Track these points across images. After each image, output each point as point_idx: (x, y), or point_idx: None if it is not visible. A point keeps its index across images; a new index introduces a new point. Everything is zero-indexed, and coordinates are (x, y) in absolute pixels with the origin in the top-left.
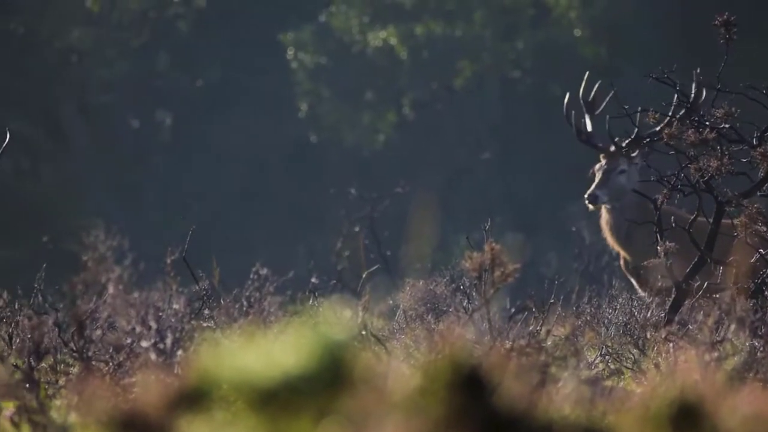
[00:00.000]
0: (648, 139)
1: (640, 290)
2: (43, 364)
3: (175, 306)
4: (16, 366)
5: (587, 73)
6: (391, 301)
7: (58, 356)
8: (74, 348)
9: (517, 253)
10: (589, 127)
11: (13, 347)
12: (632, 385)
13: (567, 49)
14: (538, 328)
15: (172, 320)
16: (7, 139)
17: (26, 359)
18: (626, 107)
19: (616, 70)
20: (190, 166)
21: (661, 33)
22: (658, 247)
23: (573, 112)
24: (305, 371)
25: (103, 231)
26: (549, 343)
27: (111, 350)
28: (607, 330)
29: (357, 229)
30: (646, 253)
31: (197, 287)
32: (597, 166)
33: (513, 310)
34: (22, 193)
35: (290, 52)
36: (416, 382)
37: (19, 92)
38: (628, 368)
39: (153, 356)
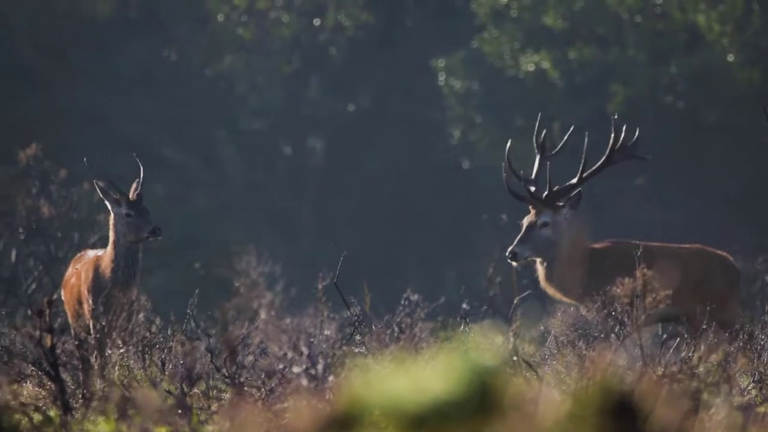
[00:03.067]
0: (575, 189)
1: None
2: (195, 390)
3: (327, 332)
4: (168, 392)
5: (539, 114)
6: (542, 327)
7: (211, 382)
8: (226, 374)
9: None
10: (533, 173)
11: (166, 373)
12: None
13: (720, 74)
14: (690, 354)
15: (324, 346)
16: (141, 173)
17: (179, 385)
18: None
19: None
20: (342, 192)
21: None
22: None
23: (504, 161)
24: (456, 397)
25: (255, 257)
26: (701, 369)
27: (263, 376)
28: (760, 356)
29: None
30: (584, 299)
31: (348, 313)
32: (524, 219)
33: (665, 336)
34: (175, 220)
35: (442, 78)
36: (567, 408)
37: (171, 119)
38: None
39: (305, 382)
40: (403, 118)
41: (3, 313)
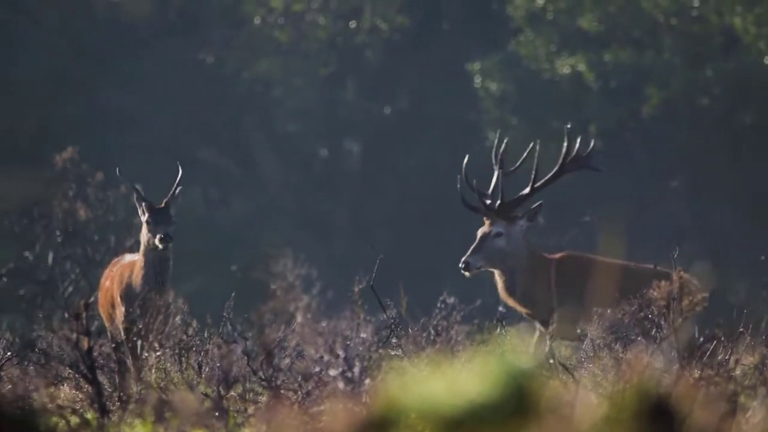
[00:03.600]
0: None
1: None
2: (232, 393)
3: (363, 334)
4: (205, 394)
5: (498, 130)
6: (578, 330)
7: (247, 385)
8: (263, 376)
9: (705, 281)
10: (492, 186)
11: (203, 376)
12: None
13: (756, 77)
14: (726, 357)
15: (360, 349)
16: (179, 174)
17: (216, 388)
18: None
19: None
20: (378, 195)
21: None
22: None
23: (460, 174)
24: (492, 400)
25: (292, 260)
26: (738, 372)
27: (299, 379)
28: None
29: None
30: (546, 310)
31: (385, 316)
32: (479, 230)
33: (701, 339)
34: (212, 222)
35: (477, 80)
36: (604, 411)
37: (208, 122)
38: None
39: (341, 385)
40: (439, 120)
41: (40, 315)
